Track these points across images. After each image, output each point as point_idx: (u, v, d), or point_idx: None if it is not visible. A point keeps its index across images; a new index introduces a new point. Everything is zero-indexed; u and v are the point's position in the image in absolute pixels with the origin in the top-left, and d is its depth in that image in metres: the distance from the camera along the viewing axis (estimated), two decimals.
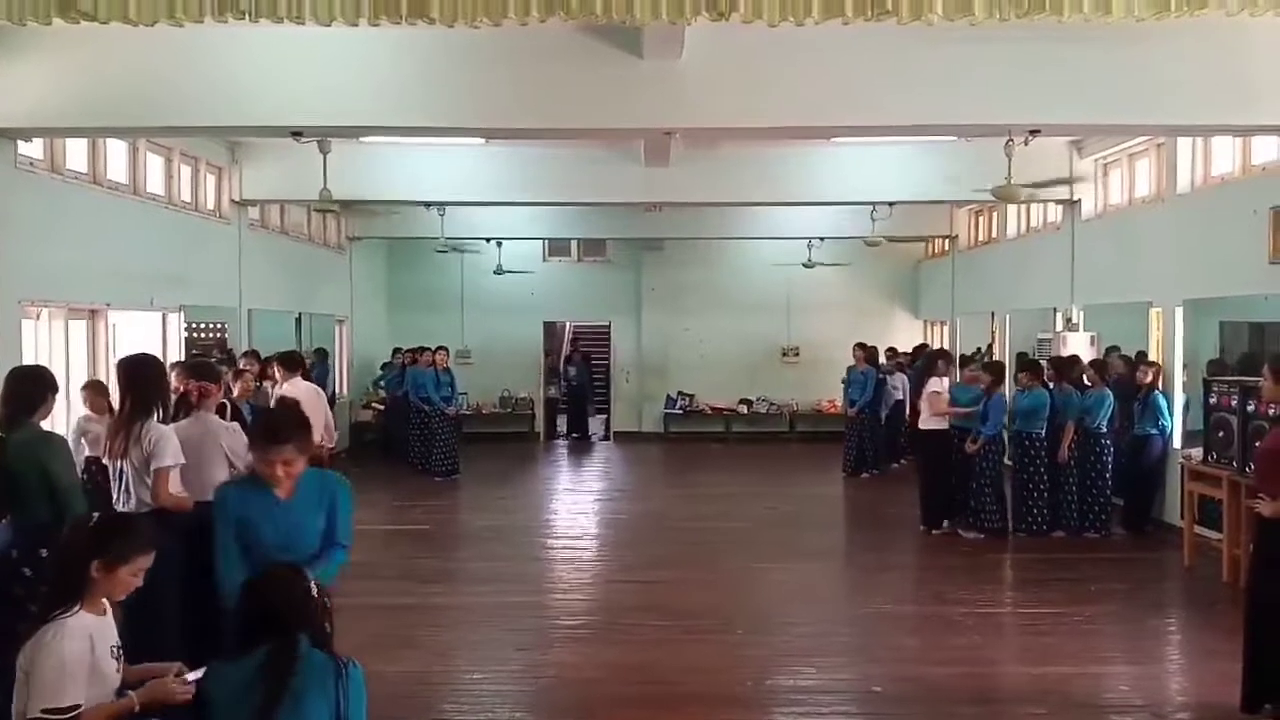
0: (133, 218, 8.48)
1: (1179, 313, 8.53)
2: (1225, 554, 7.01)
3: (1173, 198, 8.71)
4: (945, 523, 8.78)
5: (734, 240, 15.24)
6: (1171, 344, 8.69)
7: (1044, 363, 9.38)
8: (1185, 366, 8.52)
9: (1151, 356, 8.84)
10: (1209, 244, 8.11)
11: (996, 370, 9.13)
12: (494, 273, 15.36)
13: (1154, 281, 8.88)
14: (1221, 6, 4.08)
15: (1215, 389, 7.29)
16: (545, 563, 8.06)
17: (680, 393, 16.14)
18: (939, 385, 8.95)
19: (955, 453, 8.80)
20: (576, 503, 11.05)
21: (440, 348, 12.57)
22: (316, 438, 7.46)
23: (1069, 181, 10.17)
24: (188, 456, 4.36)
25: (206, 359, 7.55)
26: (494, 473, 12.66)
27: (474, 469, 12.41)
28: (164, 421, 4.37)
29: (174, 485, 4.27)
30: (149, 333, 8.86)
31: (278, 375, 7.86)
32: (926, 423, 8.95)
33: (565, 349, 18.30)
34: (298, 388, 7.57)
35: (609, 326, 16.70)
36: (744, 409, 16.07)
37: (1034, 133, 6.79)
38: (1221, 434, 7.13)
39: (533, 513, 10.34)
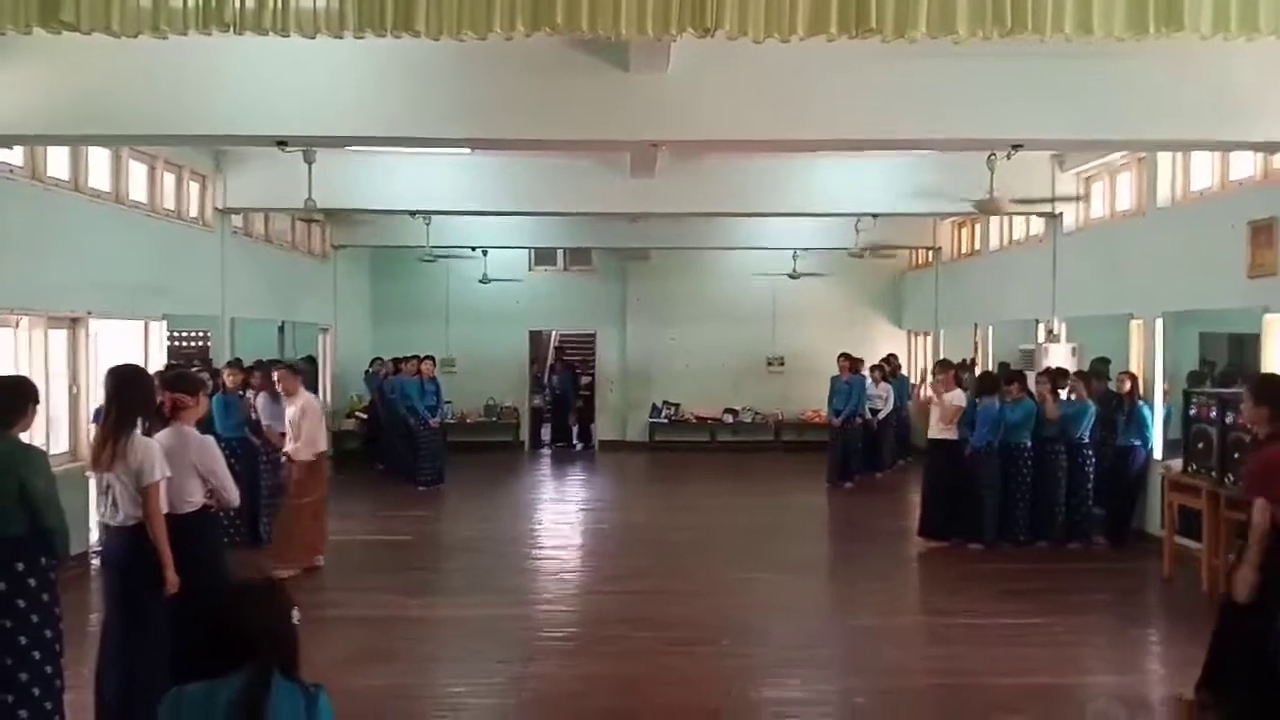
0: (115, 226, 8.42)
1: (1159, 324, 8.61)
2: (1204, 564, 7.07)
3: (1153, 211, 8.80)
4: (947, 538, 8.67)
5: (719, 250, 15.29)
6: (1152, 355, 8.77)
7: (1029, 374, 9.43)
8: (1168, 377, 8.60)
9: (1132, 367, 8.91)
10: (1189, 257, 8.20)
11: (986, 381, 9.14)
12: (480, 281, 15.34)
13: (1135, 294, 8.97)
14: (1196, 30, 4.13)
15: (1195, 400, 7.37)
16: (528, 574, 8.02)
17: (665, 402, 16.15)
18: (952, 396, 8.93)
19: (962, 463, 8.73)
20: (560, 513, 11.02)
21: (427, 357, 12.53)
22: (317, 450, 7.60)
23: (1051, 200, 10.24)
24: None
25: (186, 370, 7.47)
26: (478, 482, 12.61)
27: (458, 478, 12.35)
28: (146, 434, 4.32)
29: (160, 498, 4.23)
30: (131, 342, 8.80)
31: (283, 386, 7.87)
32: (936, 431, 8.96)
33: (550, 358, 18.28)
34: (305, 399, 7.79)
35: (594, 336, 16.71)
36: (729, 418, 16.09)
37: (1016, 147, 6.85)
38: (1201, 445, 7.20)
39: (516, 523, 10.30)
